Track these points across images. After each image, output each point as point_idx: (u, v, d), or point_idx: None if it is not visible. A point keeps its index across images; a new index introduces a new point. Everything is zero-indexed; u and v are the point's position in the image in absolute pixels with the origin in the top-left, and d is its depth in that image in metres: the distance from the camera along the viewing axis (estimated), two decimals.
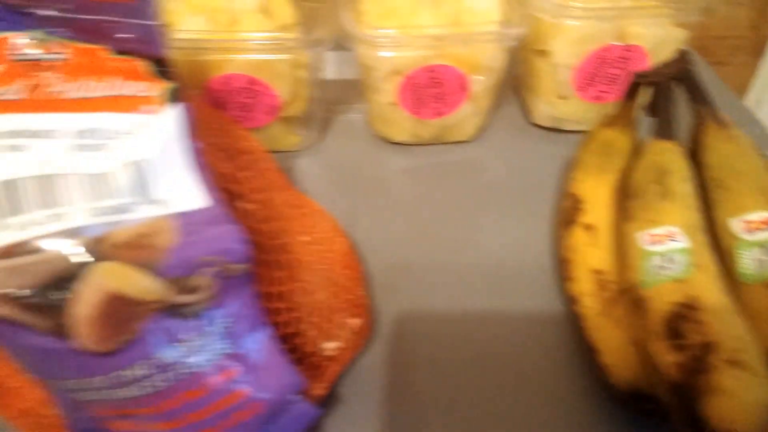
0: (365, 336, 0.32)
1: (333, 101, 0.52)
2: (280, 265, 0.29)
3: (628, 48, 0.42)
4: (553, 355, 0.33)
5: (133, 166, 0.22)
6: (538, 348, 0.34)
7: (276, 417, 0.24)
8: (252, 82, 0.42)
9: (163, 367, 0.21)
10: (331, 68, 0.53)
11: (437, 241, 0.41)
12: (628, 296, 0.28)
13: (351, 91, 0.53)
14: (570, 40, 0.43)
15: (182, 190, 0.23)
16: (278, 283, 0.28)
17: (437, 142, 0.49)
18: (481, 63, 0.43)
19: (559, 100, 0.46)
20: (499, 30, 0.41)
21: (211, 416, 0.23)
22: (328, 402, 0.30)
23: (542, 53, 0.45)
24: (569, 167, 0.40)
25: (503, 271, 0.39)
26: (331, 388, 0.30)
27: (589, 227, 0.34)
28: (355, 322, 0.31)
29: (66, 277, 0.20)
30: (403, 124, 0.47)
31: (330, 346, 0.30)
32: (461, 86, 0.44)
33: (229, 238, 0.22)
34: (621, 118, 0.38)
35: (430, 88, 0.43)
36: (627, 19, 0.42)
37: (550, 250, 0.40)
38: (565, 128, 0.48)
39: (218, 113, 0.35)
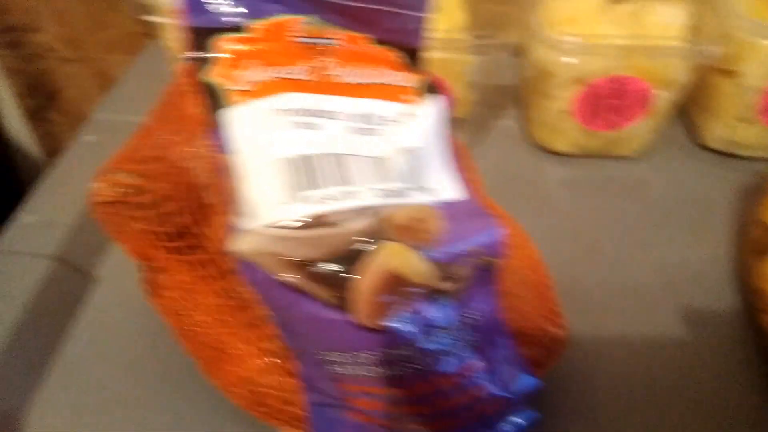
0: (564, 348, 0.32)
1: (482, 106, 0.52)
2: None
3: None
4: (731, 385, 0.32)
5: (407, 152, 0.23)
6: (714, 374, 0.33)
7: (507, 416, 0.24)
8: (437, 79, 0.43)
9: (420, 351, 0.22)
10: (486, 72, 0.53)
11: (601, 259, 0.40)
12: None
13: (501, 96, 0.53)
14: (765, 62, 0.41)
15: (444, 180, 0.24)
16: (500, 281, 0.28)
17: (599, 155, 0.48)
18: (668, 78, 0.42)
19: (740, 124, 0.45)
20: (693, 46, 0.40)
21: (455, 407, 0.23)
22: None
23: (729, 73, 0.43)
24: (755, 194, 0.38)
25: (674, 295, 0.37)
26: None
27: None
28: (557, 332, 0.31)
29: (354, 252, 0.21)
30: (569, 134, 0.46)
31: (535, 353, 0.30)
32: (643, 100, 0.43)
33: (488, 231, 0.23)
34: None
35: (610, 99, 0.43)
36: None
37: (728, 278, 0.38)
38: (741, 154, 0.46)
39: None
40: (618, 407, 0.32)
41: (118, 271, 0.37)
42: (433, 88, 0.25)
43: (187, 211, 0.26)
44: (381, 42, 0.26)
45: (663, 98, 0.43)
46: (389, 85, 0.25)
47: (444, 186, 0.24)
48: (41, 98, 0.70)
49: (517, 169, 0.48)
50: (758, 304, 0.34)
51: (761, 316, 0.33)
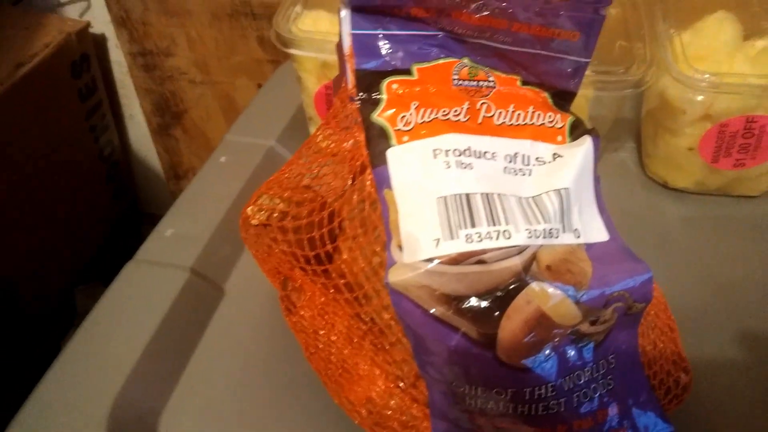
0: (688, 393, 0.31)
1: (604, 138, 0.52)
2: None
3: None
4: None
5: (557, 193, 0.23)
6: None
7: None
8: None
9: (562, 392, 0.22)
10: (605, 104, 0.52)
11: (723, 301, 0.38)
12: None
13: (617, 128, 0.52)
14: None
15: (590, 222, 0.24)
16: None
17: (720, 193, 0.46)
18: None
19: None
20: None
21: None
22: None
23: None
24: None
25: None
26: None
27: None
28: (683, 377, 0.30)
29: (504, 291, 0.21)
30: (692, 171, 0.45)
31: (661, 398, 0.29)
32: None
33: (636, 275, 0.22)
34: None
35: (742, 138, 0.41)
36: None
37: None
38: None
39: None
40: None
41: (246, 286, 0.39)
42: (581, 128, 0.26)
43: (332, 237, 0.27)
44: (528, 83, 0.26)
45: None
46: (541, 126, 0.25)
47: (591, 227, 0.24)
48: (168, 117, 0.76)
49: (634, 204, 0.46)
50: None
51: None
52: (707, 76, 0.39)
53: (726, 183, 0.45)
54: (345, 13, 0.25)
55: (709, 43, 0.43)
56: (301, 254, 0.28)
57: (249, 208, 0.30)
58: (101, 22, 0.72)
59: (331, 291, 0.28)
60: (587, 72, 0.42)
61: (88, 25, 0.71)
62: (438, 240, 0.22)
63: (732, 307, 0.38)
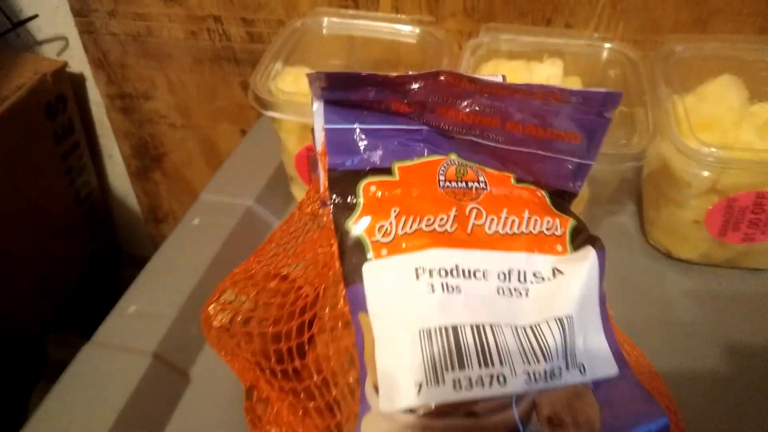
0: None
1: (603, 200, 0.49)
2: None
3: None
4: None
5: (559, 322, 0.20)
6: None
7: None
8: None
9: None
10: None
11: (727, 384, 0.35)
12: None
13: (621, 191, 0.49)
14: None
15: (597, 354, 0.21)
16: None
17: (727, 265, 0.43)
18: None
19: None
20: None
21: None
22: None
23: None
24: None
25: None
26: None
27: None
28: None
29: None
30: (697, 243, 0.42)
31: None
32: None
33: (652, 422, 0.19)
34: None
35: (752, 213, 0.38)
36: None
37: None
38: None
39: None
40: None
41: (213, 372, 0.36)
42: (584, 235, 0.23)
43: (298, 351, 0.24)
44: (522, 180, 0.23)
45: None
46: (539, 234, 0.22)
47: (598, 359, 0.21)
48: (147, 160, 0.73)
49: (635, 273, 0.44)
50: None
51: None
52: (714, 150, 0.37)
53: (734, 256, 0.42)
54: (318, 107, 0.22)
55: (715, 109, 0.41)
56: (267, 366, 0.25)
57: (211, 307, 0.27)
58: (80, 61, 0.70)
59: (300, 413, 0.24)
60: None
61: (64, 65, 0.68)
62: (420, 385, 0.19)
63: (735, 390, 0.35)
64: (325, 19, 0.47)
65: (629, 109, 0.40)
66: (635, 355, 0.31)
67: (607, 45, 0.44)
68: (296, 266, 0.25)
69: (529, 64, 0.44)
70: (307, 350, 0.24)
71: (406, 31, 0.47)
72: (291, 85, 0.41)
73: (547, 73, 0.44)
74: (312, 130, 0.24)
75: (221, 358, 0.29)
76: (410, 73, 0.21)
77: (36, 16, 0.66)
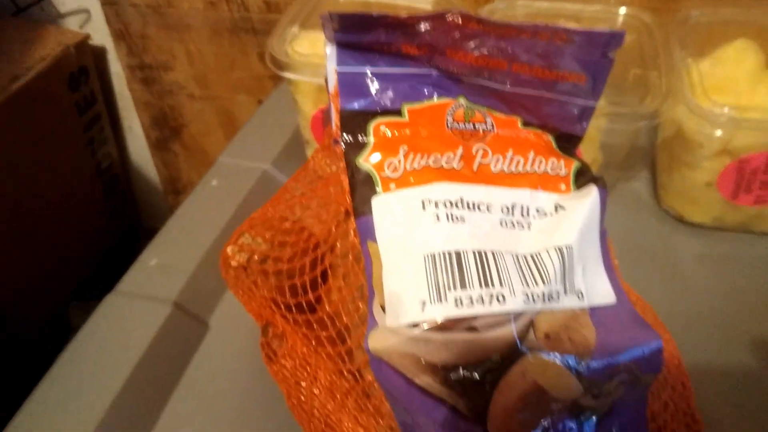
0: None
1: (617, 167, 0.49)
2: None
3: None
4: None
5: (559, 251, 0.21)
6: None
7: None
8: None
9: None
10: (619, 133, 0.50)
11: (738, 345, 0.36)
12: None
13: (632, 156, 0.49)
14: None
15: (595, 282, 0.21)
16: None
17: (740, 229, 0.43)
18: None
19: None
20: None
21: None
22: None
23: None
24: None
25: None
26: None
27: None
28: None
29: (496, 362, 0.19)
30: (710, 206, 0.42)
31: None
32: None
33: (645, 344, 0.20)
34: None
35: (764, 174, 0.39)
36: None
37: None
38: None
39: None
40: None
41: (231, 320, 0.37)
42: (587, 175, 0.23)
43: (317, 285, 0.25)
44: (530, 124, 0.24)
45: None
46: (542, 173, 0.23)
47: (597, 288, 0.21)
48: (167, 130, 0.75)
49: (648, 237, 0.44)
50: None
51: None
52: (726, 110, 0.37)
53: (746, 219, 0.43)
54: (330, 50, 0.23)
55: (730, 73, 0.41)
56: (282, 301, 0.26)
57: (229, 248, 0.28)
58: (102, 34, 0.71)
59: (313, 342, 0.26)
60: (600, 102, 0.40)
61: (87, 37, 0.69)
62: (424, 302, 0.20)
63: (746, 350, 0.35)
64: None
65: (643, 72, 0.41)
66: (636, 297, 0.31)
67: (623, 10, 0.45)
68: (309, 208, 0.26)
69: None
70: (320, 284, 0.25)
71: None
72: (307, 48, 0.42)
73: None
74: (326, 79, 0.25)
75: (238, 299, 0.30)
76: (423, 14, 0.22)
77: None
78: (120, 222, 0.85)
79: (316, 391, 0.27)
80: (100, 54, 0.74)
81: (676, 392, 0.29)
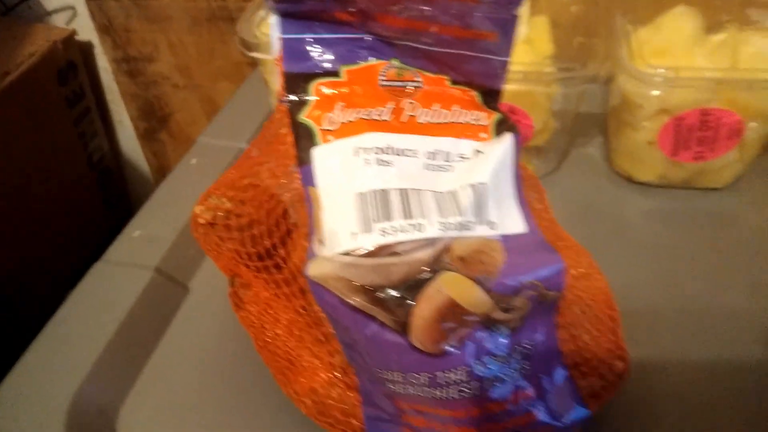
0: (624, 380, 0.31)
1: (573, 133, 0.52)
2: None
3: None
4: None
5: (473, 188, 0.24)
6: None
7: None
8: (512, 110, 0.44)
9: (473, 376, 0.23)
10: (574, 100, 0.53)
11: (682, 294, 0.39)
12: None
13: (587, 123, 0.52)
14: None
15: (508, 214, 0.24)
16: (559, 313, 0.28)
17: (685, 186, 0.46)
18: (763, 110, 0.40)
19: None
20: None
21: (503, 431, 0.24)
22: None
23: None
24: None
25: (757, 338, 0.35)
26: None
27: None
28: (619, 364, 0.30)
29: (416, 281, 0.22)
30: (654, 164, 0.45)
31: (593, 384, 0.29)
32: (734, 132, 0.41)
33: (549, 265, 0.23)
34: None
35: (699, 131, 0.42)
36: None
37: None
38: None
39: None
40: None
41: (209, 283, 0.40)
42: (506, 125, 0.26)
43: (272, 234, 0.28)
44: (457, 83, 0.27)
45: (755, 130, 0.41)
46: (465, 124, 0.26)
47: (509, 219, 0.24)
48: (154, 121, 0.78)
49: (600, 197, 0.47)
50: None
51: None
52: (661, 70, 0.40)
53: (689, 176, 0.46)
54: (274, 19, 0.26)
55: (669, 37, 0.43)
56: (244, 252, 0.29)
57: (197, 208, 0.31)
58: (88, 30, 0.74)
59: (272, 286, 0.29)
60: (549, 69, 0.43)
61: (73, 33, 0.72)
62: (355, 234, 0.23)
63: (689, 299, 0.38)
64: None
65: (587, 40, 0.43)
66: (573, 242, 0.34)
67: None
68: (265, 165, 0.29)
69: None
70: (274, 233, 0.28)
71: None
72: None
73: None
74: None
75: (208, 255, 0.33)
76: None
77: None
78: (114, 212, 0.89)
79: (278, 332, 0.30)
80: (87, 49, 0.77)
81: (603, 324, 0.32)
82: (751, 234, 0.43)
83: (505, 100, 0.42)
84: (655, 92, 0.41)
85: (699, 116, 0.41)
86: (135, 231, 0.43)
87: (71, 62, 0.74)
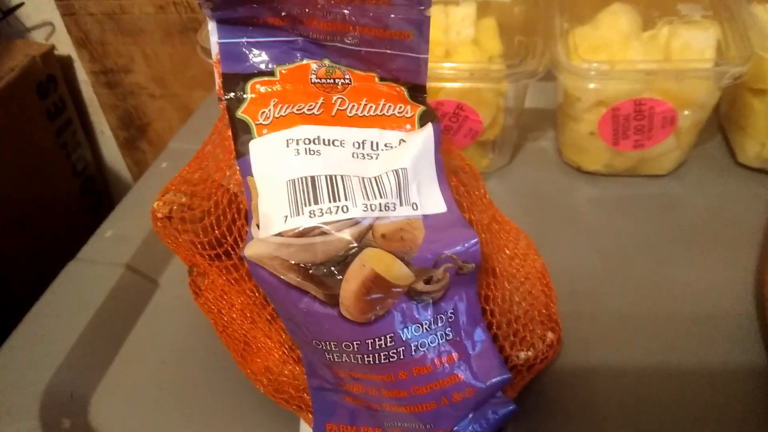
0: (556, 350, 0.34)
1: (523, 128, 0.55)
2: (487, 272, 0.32)
3: None
4: (746, 410, 0.33)
5: (396, 173, 0.26)
6: (729, 398, 0.33)
7: (481, 405, 0.27)
8: (460, 107, 0.46)
9: (401, 342, 0.25)
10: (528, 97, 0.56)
11: (625, 275, 0.41)
12: None
13: (541, 119, 0.55)
14: None
15: (429, 196, 0.27)
16: (486, 287, 0.31)
17: (630, 174, 0.49)
18: (693, 99, 0.43)
19: None
20: (717, 68, 0.41)
21: (430, 392, 0.26)
22: None
23: (760, 92, 0.44)
24: None
25: (696, 314, 0.38)
26: (518, 394, 0.32)
27: None
28: (549, 335, 0.33)
29: (344, 257, 0.25)
30: (598, 154, 0.48)
31: (524, 355, 0.32)
32: (668, 120, 0.44)
33: (465, 240, 0.26)
34: None
35: (635, 120, 0.44)
36: None
37: (751, 294, 0.38)
38: None
39: (445, 135, 0.39)
40: (623, 410, 0.33)
41: (177, 278, 0.43)
42: (427, 116, 0.29)
43: (221, 223, 0.30)
44: (385, 79, 0.30)
45: (688, 118, 0.44)
46: (391, 116, 0.28)
47: (430, 200, 0.27)
48: (133, 130, 0.80)
49: (551, 187, 0.50)
50: (766, 314, 0.34)
51: None
52: (595, 65, 0.42)
53: (633, 164, 0.48)
54: (211, 25, 0.28)
55: (606, 33, 0.46)
56: (198, 241, 0.31)
57: (155, 203, 0.33)
58: (66, 44, 0.76)
59: (225, 272, 0.31)
60: (496, 67, 0.46)
61: (52, 47, 0.75)
62: (286, 217, 0.25)
63: (633, 278, 0.41)
64: None
65: (528, 39, 0.46)
66: (512, 227, 0.37)
67: None
68: (214, 159, 0.31)
69: (446, 8, 0.50)
70: (222, 221, 0.31)
71: None
72: None
73: (462, 13, 0.49)
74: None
75: (169, 247, 0.36)
76: None
77: (22, 3, 0.73)
78: (98, 218, 0.91)
79: (234, 316, 0.33)
80: (66, 63, 0.80)
81: (536, 299, 0.34)
82: (693, 217, 0.45)
83: (455, 98, 0.46)
84: (592, 85, 0.43)
85: (633, 106, 0.43)
86: (107, 231, 0.45)
87: (51, 76, 0.77)
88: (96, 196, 0.90)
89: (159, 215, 0.33)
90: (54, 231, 0.82)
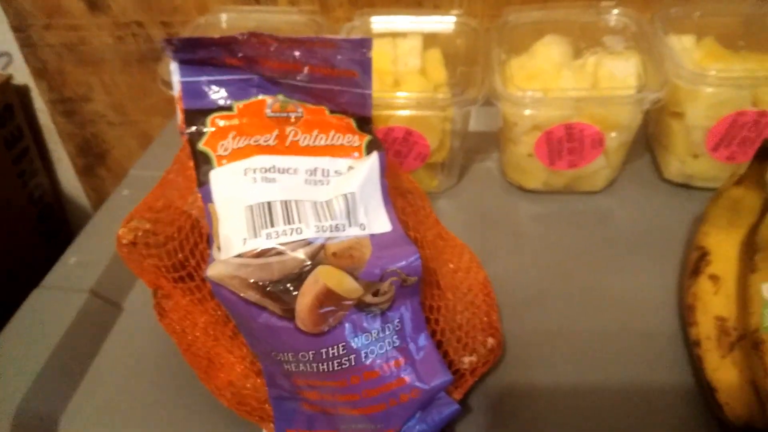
0: (496, 355, 0.37)
1: (470, 150, 0.59)
2: (432, 284, 0.35)
3: (762, 113, 0.45)
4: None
5: (345, 197, 0.29)
6: (653, 398, 0.37)
7: (427, 405, 0.30)
8: (409, 133, 0.49)
9: (352, 350, 0.28)
10: (471, 121, 0.59)
11: (563, 284, 0.45)
12: (749, 340, 0.31)
13: (486, 141, 0.59)
14: (705, 105, 0.46)
15: (376, 217, 0.30)
16: (431, 298, 0.34)
17: (567, 191, 0.53)
18: (618, 122, 0.47)
19: (692, 159, 0.49)
20: (637, 94, 0.45)
21: (379, 395, 0.29)
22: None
23: (677, 115, 0.48)
24: (698, 222, 0.43)
25: (627, 319, 0.42)
26: (463, 396, 0.35)
27: (714, 277, 0.37)
28: (490, 341, 0.36)
29: (297, 274, 0.27)
30: (536, 174, 0.52)
31: (467, 360, 0.35)
32: (597, 142, 0.48)
33: (407, 256, 0.29)
34: (750, 178, 0.40)
35: (567, 142, 0.48)
36: (762, 87, 0.44)
37: (675, 300, 0.42)
38: (696, 185, 0.51)
39: (393, 160, 0.42)
40: (560, 409, 0.36)
41: (141, 301, 0.44)
42: (373, 145, 0.32)
43: (184, 247, 0.33)
44: (335, 112, 0.33)
45: (615, 140, 0.48)
46: (340, 145, 0.31)
47: (377, 221, 0.30)
48: (92, 157, 0.81)
49: (495, 205, 0.53)
50: (688, 319, 0.38)
51: (690, 329, 0.37)
52: (529, 93, 0.46)
53: (569, 182, 0.52)
54: (173, 66, 0.31)
55: (539, 64, 0.50)
56: (162, 264, 0.34)
57: (120, 230, 0.35)
58: (23, 74, 0.77)
59: (188, 293, 0.33)
60: (441, 95, 0.49)
61: (9, 78, 0.76)
62: (245, 239, 0.28)
63: (571, 286, 0.44)
64: (225, 15, 0.56)
65: (469, 69, 0.50)
66: (457, 242, 0.40)
67: (454, 19, 0.54)
68: (175, 188, 0.34)
69: (394, 39, 0.54)
70: (184, 245, 0.33)
71: (294, 19, 0.56)
72: None
73: (409, 45, 0.53)
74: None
75: (133, 271, 0.38)
76: (234, 35, 0.30)
77: None
78: (55, 245, 0.91)
79: (197, 334, 0.35)
80: (23, 92, 0.80)
81: (478, 308, 0.37)
82: (624, 230, 0.49)
83: (404, 125, 0.49)
84: (527, 111, 0.47)
85: (565, 130, 0.47)
86: (71, 258, 0.47)
87: (8, 105, 0.77)
88: (54, 223, 0.90)
89: (124, 241, 0.35)
90: (11, 258, 0.82)
